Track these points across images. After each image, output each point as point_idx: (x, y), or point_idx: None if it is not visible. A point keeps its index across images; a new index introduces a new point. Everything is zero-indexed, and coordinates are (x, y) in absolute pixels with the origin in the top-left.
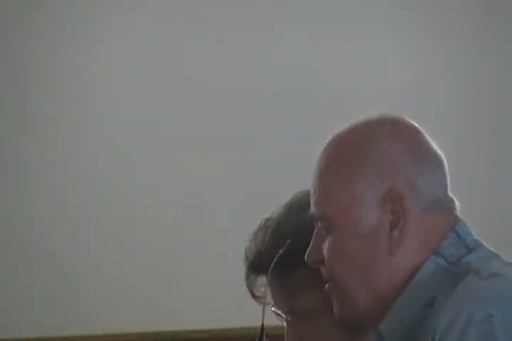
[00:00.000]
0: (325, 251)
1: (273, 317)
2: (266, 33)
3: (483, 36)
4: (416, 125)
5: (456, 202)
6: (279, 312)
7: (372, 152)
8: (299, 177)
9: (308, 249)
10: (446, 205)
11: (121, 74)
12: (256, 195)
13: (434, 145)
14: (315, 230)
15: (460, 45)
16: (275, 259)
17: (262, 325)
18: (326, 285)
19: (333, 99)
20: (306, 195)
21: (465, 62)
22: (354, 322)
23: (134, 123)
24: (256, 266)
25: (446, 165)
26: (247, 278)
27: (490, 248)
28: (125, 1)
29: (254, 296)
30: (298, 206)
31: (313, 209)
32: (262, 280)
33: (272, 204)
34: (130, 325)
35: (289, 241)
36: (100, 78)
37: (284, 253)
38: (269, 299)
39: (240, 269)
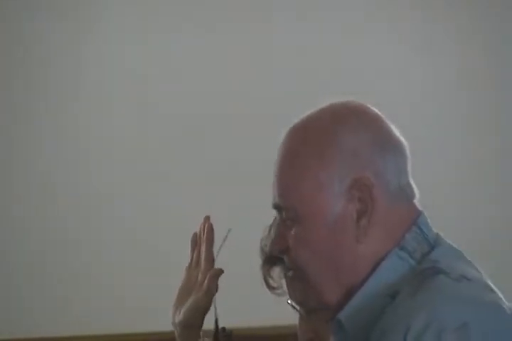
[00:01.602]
0: (290, 241)
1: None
2: (266, 33)
3: (483, 36)
4: (379, 113)
5: (416, 190)
6: (293, 304)
7: (338, 141)
8: None
9: (272, 238)
10: (409, 194)
11: (121, 74)
12: (255, 194)
13: (397, 133)
14: (278, 220)
15: (460, 45)
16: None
17: (216, 320)
18: (287, 274)
19: (333, 98)
20: None
21: (465, 62)
22: (318, 311)
23: (134, 123)
24: (271, 257)
25: (408, 152)
26: (263, 268)
27: (450, 242)
28: (125, 1)
29: (268, 287)
30: None
31: (277, 199)
32: (277, 272)
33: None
34: (130, 325)
35: None
36: (100, 78)
37: None
38: (284, 290)
39: (240, 269)
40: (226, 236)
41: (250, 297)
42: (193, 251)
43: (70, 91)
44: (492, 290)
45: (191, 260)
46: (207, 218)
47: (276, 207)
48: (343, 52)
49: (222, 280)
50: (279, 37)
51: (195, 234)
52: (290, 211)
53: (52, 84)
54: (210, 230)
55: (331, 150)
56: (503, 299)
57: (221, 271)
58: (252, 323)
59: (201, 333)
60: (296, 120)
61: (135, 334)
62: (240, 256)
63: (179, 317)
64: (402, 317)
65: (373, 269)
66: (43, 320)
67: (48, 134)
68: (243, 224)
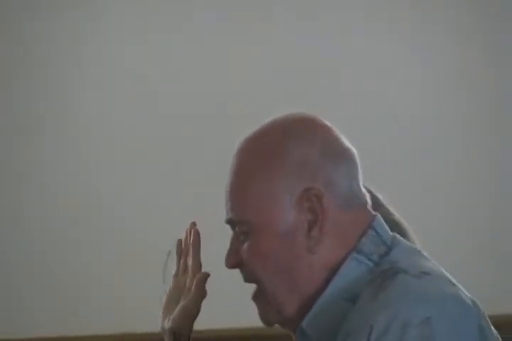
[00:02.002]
0: (244, 254)
1: None
2: (266, 33)
3: (483, 36)
4: (327, 123)
5: (368, 195)
6: None
7: (286, 153)
8: None
9: (226, 253)
10: (361, 200)
11: (121, 74)
12: None
13: (346, 141)
14: (232, 234)
15: (460, 45)
16: None
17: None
18: (252, 294)
19: (334, 99)
20: None
21: (465, 62)
22: (281, 325)
23: (134, 123)
24: None
25: (358, 159)
26: None
27: (407, 242)
28: (125, 1)
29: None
30: None
31: (229, 214)
32: None
33: None
34: (130, 325)
35: None
36: (100, 78)
37: None
38: None
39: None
40: (167, 258)
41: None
42: (179, 258)
43: (70, 91)
44: (453, 284)
45: (178, 267)
46: (193, 224)
47: (229, 221)
48: (343, 52)
49: (220, 283)
50: (279, 37)
51: (179, 241)
52: (243, 224)
53: (52, 84)
54: (197, 235)
55: (280, 162)
56: (464, 291)
57: (208, 275)
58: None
59: None
60: (246, 135)
61: (135, 334)
62: None
63: (168, 324)
64: (364, 318)
65: (331, 277)
66: (43, 320)
67: (48, 134)
68: None
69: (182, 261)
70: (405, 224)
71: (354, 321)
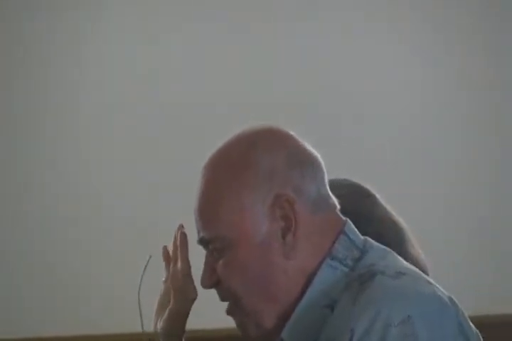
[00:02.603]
0: (220, 271)
1: None
2: (266, 33)
3: (483, 36)
4: (290, 132)
5: (335, 199)
6: None
7: (253, 164)
8: None
9: (202, 274)
10: (331, 205)
11: (121, 75)
12: None
13: (310, 147)
14: (206, 254)
15: (460, 45)
16: None
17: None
18: (226, 310)
19: (334, 99)
20: None
21: (465, 62)
22: (262, 338)
23: (134, 123)
24: None
25: (323, 164)
26: None
27: (379, 245)
28: (125, 1)
29: None
30: None
31: (202, 233)
32: None
33: None
34: (130, 325)
35: None
36: (100, 78)
37: None
38: None
39: None
40: (147, 263)
41: None
42: (168, 263)
43: (70, 91)
44: (429, 283)
45: (168, 273)
46: (180, 226)
47: (202, 241)
48: (342, 53)
49: None
50: (279, 37)
51: (165, 247)
52: (216, 241)
53: (52, 84)
54: (184, 237)
55: (248, 173)
56: (441, 289)
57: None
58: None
59: None
60: (210, 152)
61: (135, 334)
62: None
63: (160, 325)
64: (345, 323)
65: (307, 283)
66: (43, 320)
67: (47, 134)
68: None
69: (172, 264)
70: (403, 223)
71: (334, 327)
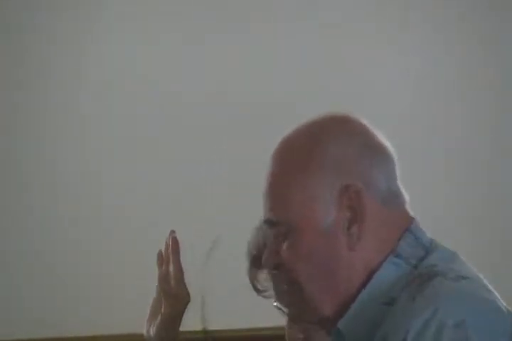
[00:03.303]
0: (284, 255)
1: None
2: (266, 33)
3: (483, 36)
4: (363, 121)
5: (406, 196)
6: (280, 306)
7: (324, 152)
8: None
9: (265, 255)
10: (400, 200)
11: (121, 74)
12: (253, 194)
13: (384, 139)
14: (270, 236)
15: (460, 45)
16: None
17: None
18: (286, 291)
19: (333, 99)
20: None
21: (465, 62)
22: (317, 324)
23: (133, 123)
24: (258, 259)
25: (395, 158)
26: (250, 272)
27: (445, 246)
28: (125, 1)
29: (256, 290)
30: None
31: (268, 214)
32: (264, 275)
33: None
34: (130, 325)
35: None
36: (100, 78)
37: None
38: (271, 293)
39: (237, 270)
40: (213, 245)
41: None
42: (160, 268)
43: (70, 91)
44: (489, 290)
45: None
46: (172, 232)
47: (267, 221)
48: (342, 53)
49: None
50: (279, 37)
51: (160, 252)
52: (283, 225)
53: (52, 84)
54: (175, 242)
55: (319, 161)
56: (500, 299)
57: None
58: (256, 324)
59: None
60: (282, 135)
61: (135, 334)
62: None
63: (153, 329)
64: (402, 320)
65: (369, 277)
66: (43, 321)
67: (47, 134)
68: (243, 224)
69: (164, 269)
70: None
71: (390, 325)
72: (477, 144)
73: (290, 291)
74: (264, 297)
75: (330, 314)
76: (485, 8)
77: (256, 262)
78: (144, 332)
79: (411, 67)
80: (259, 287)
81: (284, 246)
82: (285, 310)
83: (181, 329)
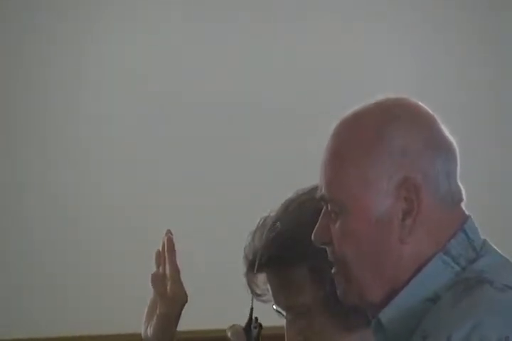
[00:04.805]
0: (334, 234)
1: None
2: (266, 33)
3: (483, 36)
4: (431, 112)
5: (464, 193)
6: (279, 309)
7: (388, 139)
8: (297, 176)
9: (315, 229)
10: (457, 198)
11: (121, 74)
12: (253, 195)
13: (448, 134)
14: (323, 210)
15: (460, 45)
16: (272, 254)
17: (252, 310)
18: (332, 270)
19: (333, 99)
20: (303, 194)
21: (465, 62)
22: (358, 306)
23: (133, 123)
24: (255, 263)
25: (458, 154)
26: (247, 276)
27: (498, 250)
28: (126, 1)
29: (254, 294)
30: (296, 204)
31: (323, 190)
32: (261, 278)
33: (269, 205)
34: (130, 325)
35: (285, 237)
36: (100, 78)
37: (281, 250)
38: (269, 297)
39: (235, 270)
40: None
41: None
42: (158, 268)
43: (70, 91)
44: None
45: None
46: (168, 231)
47: (322, 198)
48: (342, 53)
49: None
50: (279, 37)
51: (158, 252)
52: (336, 204)
53: (52, 84)
54: (170, 242)
55: (381, 148)
56: None
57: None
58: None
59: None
60: (346, 113)
61: (135, 334)
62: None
63: (150, 330)
64: (444, 324)
65: (416, 271)
66: (43, 320)
67: (48, 134)
68: (243, 224)
69: (159, 270)
70: None
71: (432, 323)
72: (477, 144)
73: (338, 271)
74: (263, 301)
75: (373, 300)
76: (485, 8)
77: (252, 266)
78: (142, 332)
79: (411, 67)
80: (257, 291)
81: (337, 225)
82: (283, 312)
83: (180, 329)
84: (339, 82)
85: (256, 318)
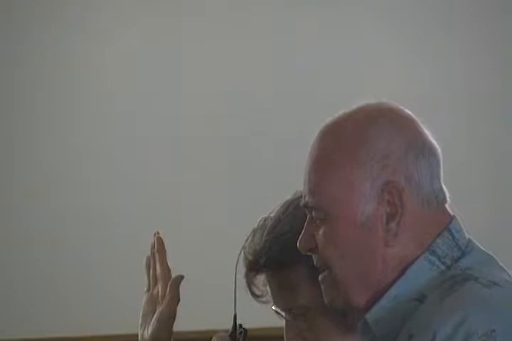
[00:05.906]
0: (319, 240)
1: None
2: (266, 33)
3: (483, 36)
4: (413, 115)
5: (448, 194)
6: (278, 310)
7: (370, 144)
8: (295, 177)
9: (300, 237)
10: (441, 199)
11: (121, 74)
12: (252, 195)
13: (430, 136)
14: (307, 217)
15: (460, 45)
16: (271, 255)
17: (235, 316)
18: (320, 276)
19: (333, 99)
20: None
21: (465, 62)
22: (344, 311)
23: (133, 123)
24: (254, 264)
25: (441, 156)
26: (246, 276)
27: (482, 248)
28: (125, 1)
29: (253, 295)
30: (295, 204)
31: (307, 198)
32: (261, 279)
33: (268, 205)
34: (130, 325)
35: (284, 238)
36: (100, 78)
37: (281, 251)
38: (269, 298)
39: (233, 270)
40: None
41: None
42: (148, 271)
43: (70, 91)
44: None
45: (148, 281)
46: (156, 233)
47: (305, 206)
48: (343, 53)
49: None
50: (279, 37)
51: (147, 257)
52: (320, 211)
53: (52, 83)
54: (161, 242)
55: (363, 152)
56: None
57: (181, 278)
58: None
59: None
60: (328, 119)
61: (135, 334)
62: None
63: (147, 333)
64: (429, 321)
65: (401, 272)
66: (43, 320)
67: (48, 133)
68: (243, 224)
69: (151, 273)
70: None
71: (418, 322)
72: (477, 144)
73: (324, 276)
74: (262, 302)
75: (359, 304)
76: (485, 8)
77: (251, 267)
78: (139, 335)
79: (411, 67)
80: (256, 292)
81: (320, 231)
82: (282, 313)
83: (178, 329)
84: (339, 83)
85: (240, 325)
